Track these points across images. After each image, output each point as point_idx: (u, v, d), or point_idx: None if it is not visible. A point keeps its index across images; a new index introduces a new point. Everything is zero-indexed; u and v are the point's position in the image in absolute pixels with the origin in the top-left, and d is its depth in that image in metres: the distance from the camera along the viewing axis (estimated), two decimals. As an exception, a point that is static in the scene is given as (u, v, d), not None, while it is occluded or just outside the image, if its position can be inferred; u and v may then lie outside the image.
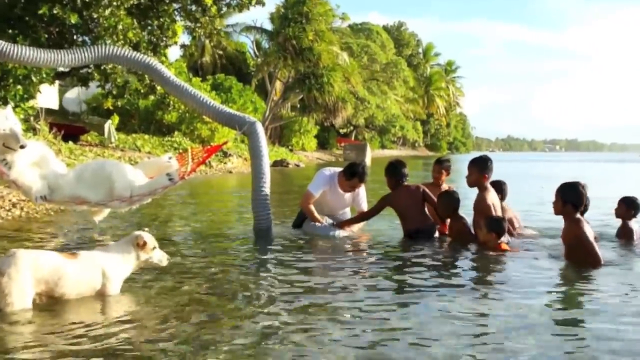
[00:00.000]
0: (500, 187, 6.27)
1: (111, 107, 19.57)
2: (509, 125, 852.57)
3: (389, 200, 6.30)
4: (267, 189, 6.54)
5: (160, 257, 4.07)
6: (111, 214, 6.83)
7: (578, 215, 4.89)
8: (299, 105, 36.73)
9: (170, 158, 6.15)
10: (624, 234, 6.10)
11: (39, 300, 3.56)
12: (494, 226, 5.44)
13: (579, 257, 4.81)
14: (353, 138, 56.24)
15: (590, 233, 4.88)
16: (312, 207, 6.56)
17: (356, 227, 6.63)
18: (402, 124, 60.50)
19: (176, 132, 24.62)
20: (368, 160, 30.35)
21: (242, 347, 2.91)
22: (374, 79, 55.57)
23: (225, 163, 22.20)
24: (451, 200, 5.96)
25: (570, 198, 4.87)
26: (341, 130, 53.39)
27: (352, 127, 54.62)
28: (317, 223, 6.46)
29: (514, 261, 5.05)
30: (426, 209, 6.26)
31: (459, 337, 3.07)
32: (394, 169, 6.34)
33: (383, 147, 62.50)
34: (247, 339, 3.04)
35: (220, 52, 42.13)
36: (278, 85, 36.43)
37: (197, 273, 4.49)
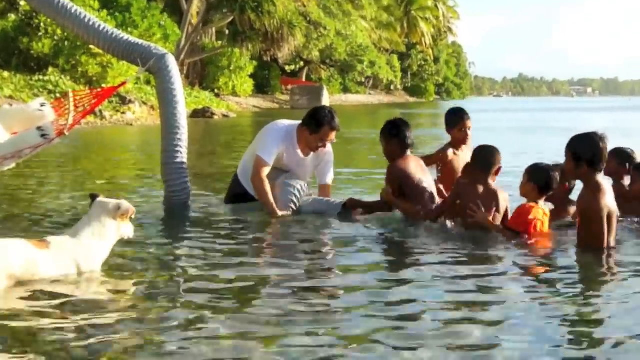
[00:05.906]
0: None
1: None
2: (522, 60, 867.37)
3: (397, 172, 6.04)
4: (183, 148, 6.51)
5: (130, 229, 4.50)
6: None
7: (598, 179, 4.88)
8: (227, 32, 36.34)
9: (42, 105, 6.02)
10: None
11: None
12: (536, 177, 5.32)
13: (583, 235, 4.97)
14: (304, 78, 56.20)
15: (611, 205, 4.89)
16: (267, 185, 6.16)
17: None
18: (373, 59, 60.70)
19: (51, 69, 24.10)
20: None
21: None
22: (333, -5, 55.43)
23: (123, 113, 21.95)
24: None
25: (584, 153, 4.83)
26: (287, 68, 53.23)
27: (302, 63, 54.50)
28: (276, 212, 6.10)
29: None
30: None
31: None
32: (395, 128, 6.14)
33: (346, 90, 62.78)
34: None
35: (114, -47, 41.18)
36: (197, 3, 35.90)
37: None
